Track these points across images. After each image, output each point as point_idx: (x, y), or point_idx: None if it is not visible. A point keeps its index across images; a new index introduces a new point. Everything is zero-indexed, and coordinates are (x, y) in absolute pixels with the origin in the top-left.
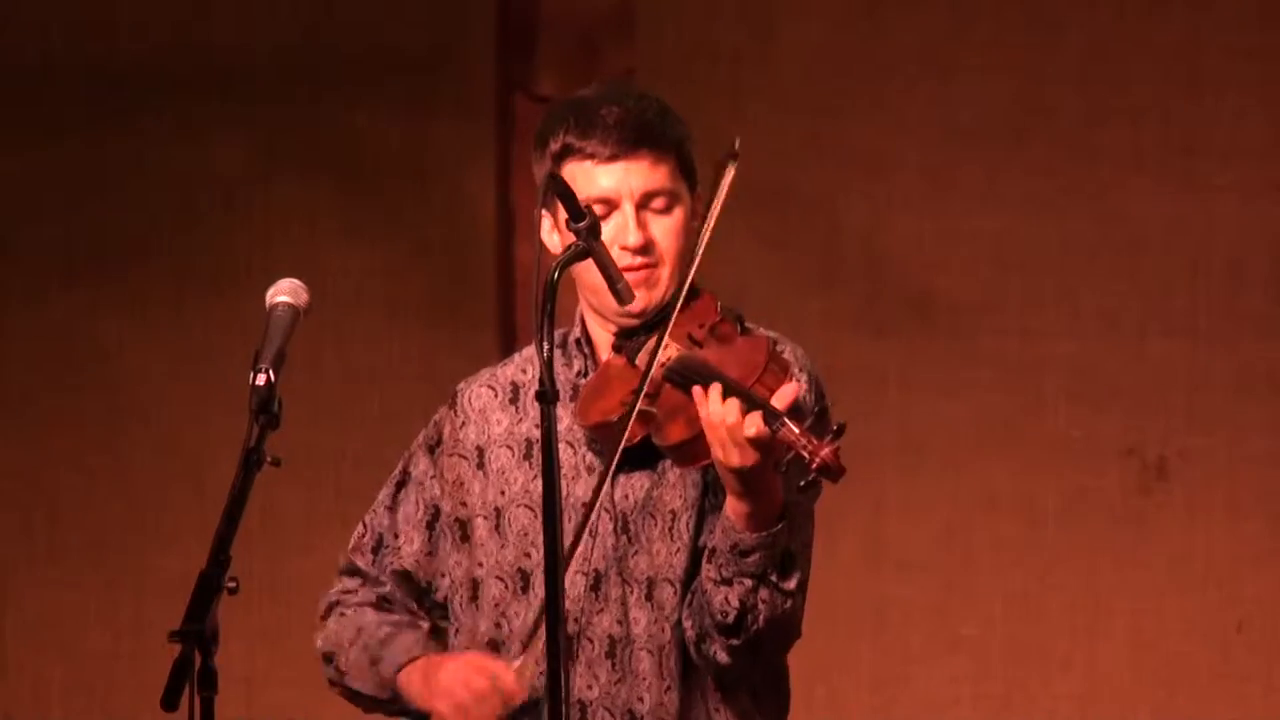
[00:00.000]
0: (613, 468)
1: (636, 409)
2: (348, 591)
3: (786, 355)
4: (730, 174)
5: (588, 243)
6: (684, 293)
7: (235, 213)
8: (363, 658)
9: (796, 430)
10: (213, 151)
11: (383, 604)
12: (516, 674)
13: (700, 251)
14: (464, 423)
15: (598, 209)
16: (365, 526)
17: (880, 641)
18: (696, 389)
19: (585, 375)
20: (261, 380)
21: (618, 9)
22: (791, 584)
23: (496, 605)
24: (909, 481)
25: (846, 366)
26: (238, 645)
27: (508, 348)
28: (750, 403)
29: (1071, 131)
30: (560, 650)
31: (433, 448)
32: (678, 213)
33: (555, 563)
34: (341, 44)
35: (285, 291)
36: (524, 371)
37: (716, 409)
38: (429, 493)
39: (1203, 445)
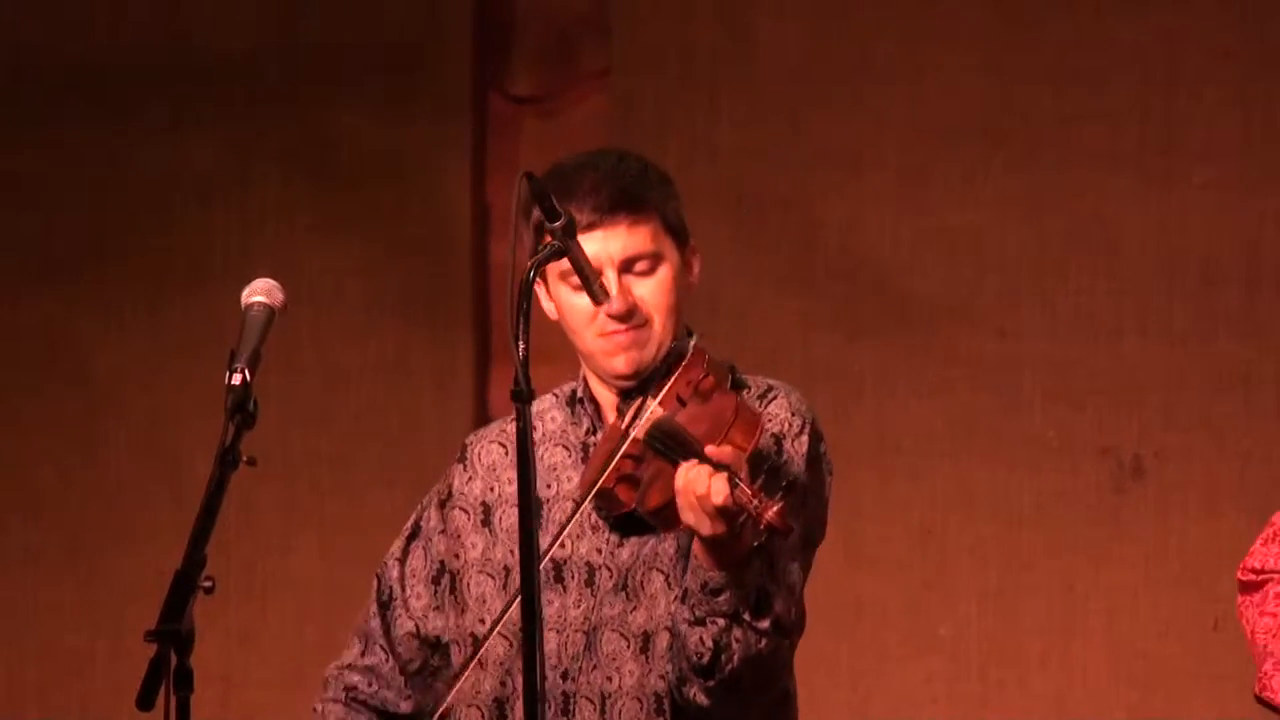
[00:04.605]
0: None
1: (615, 468)
2: (343, 666)
3: (778, 403)
4: None
5: (563, 242)
6: (689, 346)
7: (211, 211)
8: None
9: (749, 491)
10: (189, 150)
11: (352, 700)
12: None
13: None
14: (471, 477)
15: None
16: (379, 580)
17: (856, 641)
18: (682, 464)
19: (594, 433)
20: (237, 379)
21: (593, 8)
22: (765, 623)
23: (501, 663)
24: (885, 481)
25: (822, 367)
26: (214, 645)
27: (483, 345)
28: (710, 466)
29: (1048, 130)
30: (538, 662)
31: (443, 502)
32: (663, 271)
33: (531, 563)
34: (318, 42)
35: (261, 291)
36: (536, 430)
37: (683, 478)
38: (436, 547)
39: (1179, 444)
